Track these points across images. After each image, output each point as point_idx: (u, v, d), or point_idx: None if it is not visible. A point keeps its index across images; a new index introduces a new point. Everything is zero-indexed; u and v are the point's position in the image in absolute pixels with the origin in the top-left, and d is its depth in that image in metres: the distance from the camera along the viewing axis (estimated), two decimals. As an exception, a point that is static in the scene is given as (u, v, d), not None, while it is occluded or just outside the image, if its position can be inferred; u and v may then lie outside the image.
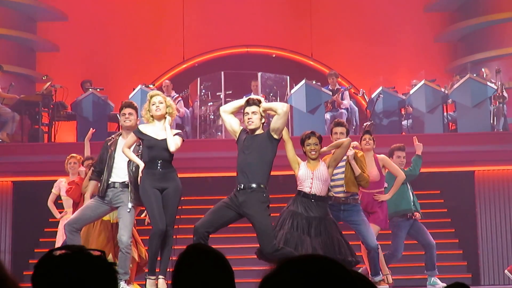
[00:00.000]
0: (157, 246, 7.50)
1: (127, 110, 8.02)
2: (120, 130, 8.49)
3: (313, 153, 7.83)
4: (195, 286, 2.63)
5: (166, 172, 7.55)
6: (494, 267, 12.71)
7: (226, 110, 7.56)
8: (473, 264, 12.57)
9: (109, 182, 7.83)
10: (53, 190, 10.17)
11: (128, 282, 7.90)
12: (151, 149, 7.56)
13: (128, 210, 7.68)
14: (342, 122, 8.84)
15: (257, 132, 7.39)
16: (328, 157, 8.02)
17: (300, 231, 7.61)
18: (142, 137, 7.63)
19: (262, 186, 7.25)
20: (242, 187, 7.26)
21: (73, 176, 9.63)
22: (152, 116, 7.71)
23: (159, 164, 7.53)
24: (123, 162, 7.82)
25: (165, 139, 7.57)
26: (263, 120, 7.42)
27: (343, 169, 8.30)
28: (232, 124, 7.51)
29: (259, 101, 7.44)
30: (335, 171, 8.11)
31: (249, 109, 7.36)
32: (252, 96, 7.91)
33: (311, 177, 7.77)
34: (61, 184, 9.95)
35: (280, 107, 7.32)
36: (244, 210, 7.24)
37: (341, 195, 8.31)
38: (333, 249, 7.62)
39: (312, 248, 7.50)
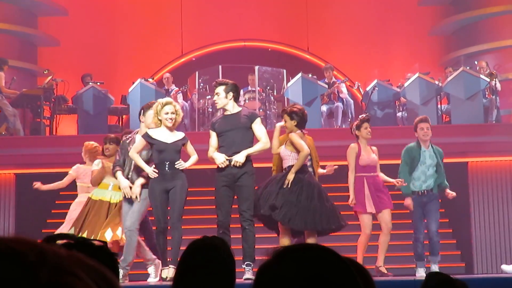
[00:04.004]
0: (163, 241, 8.08)
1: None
2: (137, 129, 8.72)
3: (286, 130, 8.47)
4: (195, 278, 2.76)
5: (173, 173, 8.00)
6: (487, 256, 12.77)
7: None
8: (467, 254, 12.61)
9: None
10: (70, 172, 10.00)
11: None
12: (161, 152, 8.00)
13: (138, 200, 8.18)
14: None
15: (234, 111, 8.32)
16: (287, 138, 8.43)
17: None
18: (152, 142, 8.04)
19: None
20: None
21: (89, 163, 9.58)
22: (160, 120, 8.07)
23: (167, 166, 7.99)
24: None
25: (175, 142, 8.07)
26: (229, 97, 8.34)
27: None
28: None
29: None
30: None
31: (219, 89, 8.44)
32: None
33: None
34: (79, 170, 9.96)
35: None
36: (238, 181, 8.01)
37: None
38: (312, 217, 8.08)
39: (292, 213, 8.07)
